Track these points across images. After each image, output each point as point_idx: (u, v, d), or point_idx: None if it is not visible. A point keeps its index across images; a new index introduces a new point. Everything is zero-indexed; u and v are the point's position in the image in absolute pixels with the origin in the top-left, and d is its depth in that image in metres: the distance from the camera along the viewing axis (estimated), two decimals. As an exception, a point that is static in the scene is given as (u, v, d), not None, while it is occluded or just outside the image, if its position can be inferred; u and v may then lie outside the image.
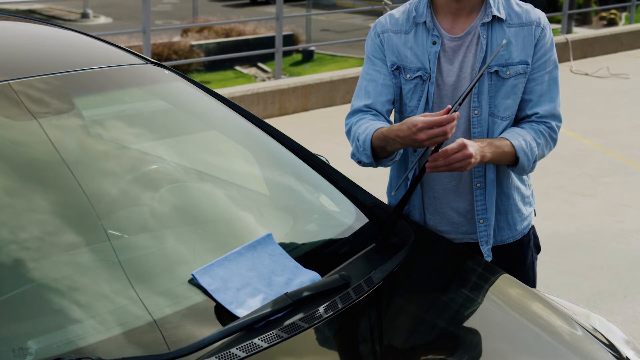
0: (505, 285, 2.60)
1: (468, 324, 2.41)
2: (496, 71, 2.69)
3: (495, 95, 2.70)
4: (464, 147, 2.50)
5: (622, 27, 15.83)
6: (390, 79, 2.77)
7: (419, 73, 2.72)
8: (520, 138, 2.69)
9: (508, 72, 2.69)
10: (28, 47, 2.83)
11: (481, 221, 2.79)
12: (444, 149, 2.51)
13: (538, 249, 3.00)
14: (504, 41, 2.59)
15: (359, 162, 2.76)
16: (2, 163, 2.40)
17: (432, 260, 2.69)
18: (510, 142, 2.67)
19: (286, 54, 17.11)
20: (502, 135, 2.72)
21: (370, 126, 2.66)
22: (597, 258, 5.42)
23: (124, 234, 2.47)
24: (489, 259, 2.79)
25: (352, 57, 17.73)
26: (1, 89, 2.46)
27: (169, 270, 2.36)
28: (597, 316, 2.58)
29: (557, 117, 2.78)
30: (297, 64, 18.15)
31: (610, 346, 2.39)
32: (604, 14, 22.50)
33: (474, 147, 2.54)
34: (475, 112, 2.70)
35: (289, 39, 17.68)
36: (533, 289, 2.64)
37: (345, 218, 2.76)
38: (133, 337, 2.03)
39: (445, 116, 2.42)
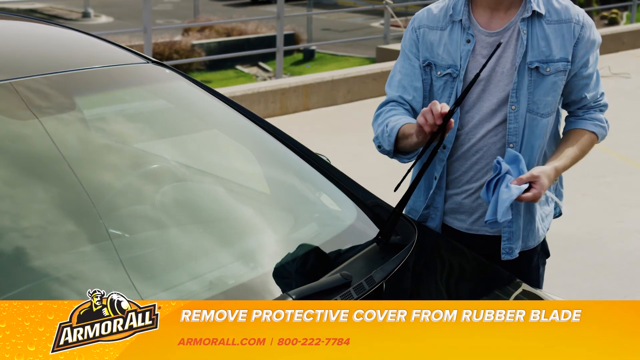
0: (507, 284, 2.60)
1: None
2: (537, 67, 2.69)
3: (534, 91, 2.71)
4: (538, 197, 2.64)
5: (623, 27, 15.81)
6: (421, 74, 2.79)
7: (449, 70, 2.73)
8: (588, 123, 2.85)
9: (548, 69, 2.69)
10: (29, 47, 2.83)
11: None
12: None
13: (546, 254, 2.99)
14: (500, 43, 2.62)
15: (379, 147, 2.77)
16: (4, 162, 2.40)
17: (433, 260, 2.69)
18: (585, 129, 2.84)
19: (287, 53, 17.10)
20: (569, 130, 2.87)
21: (404, 118, 2.68)
22: (598, 258, 5.42)
23: (125, 233, 2.47)
24: (507, 258, 2.78)
25: (353, 57, 17.73)
26: (3, 88, 2.46)
27: (169, 269, 2.36)
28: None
29: (604, 102, 2.90)
30: (298, 63, 18.15)
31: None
32: (605, 13, 22.50)
33: (544, 183, 2.65)
34: (513, 107, 2.71)
35: (290, 39, 17.68)
36: (535, 289, 2.63)
37: (347, 217, 2.76)
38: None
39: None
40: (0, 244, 2.20)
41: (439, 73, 2.75)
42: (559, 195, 2.95)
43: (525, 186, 2.61)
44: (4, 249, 2.20)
